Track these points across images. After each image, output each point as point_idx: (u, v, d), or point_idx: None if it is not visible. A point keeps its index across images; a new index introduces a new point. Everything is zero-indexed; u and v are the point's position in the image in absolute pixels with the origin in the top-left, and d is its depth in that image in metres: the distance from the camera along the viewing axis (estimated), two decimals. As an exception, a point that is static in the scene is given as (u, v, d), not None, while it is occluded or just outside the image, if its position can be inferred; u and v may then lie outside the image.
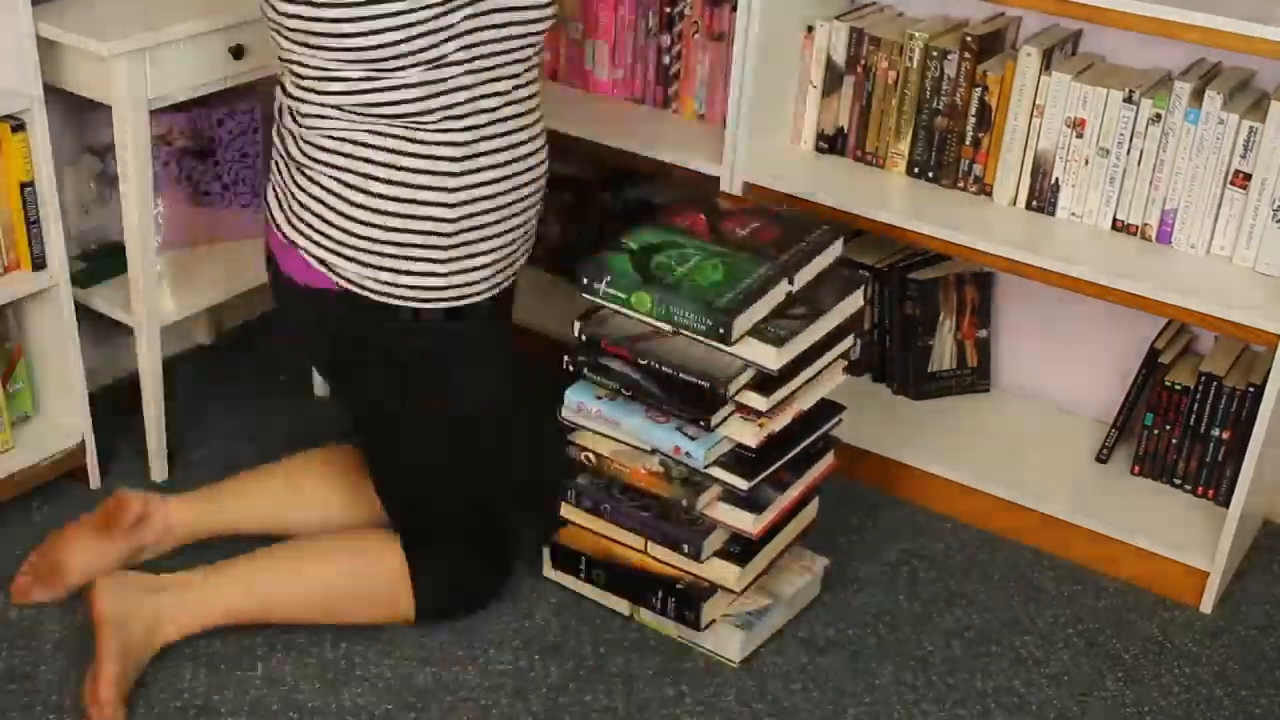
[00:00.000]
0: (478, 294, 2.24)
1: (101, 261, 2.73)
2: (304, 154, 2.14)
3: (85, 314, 2.63)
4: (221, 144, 2.81)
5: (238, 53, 2.53)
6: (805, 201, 2.66)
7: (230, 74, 2.55)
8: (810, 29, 2.76)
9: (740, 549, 2.34)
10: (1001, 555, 2.68)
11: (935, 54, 2.65)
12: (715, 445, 2.23)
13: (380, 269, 2.16)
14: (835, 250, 2.31)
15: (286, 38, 2.06)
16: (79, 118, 2.71)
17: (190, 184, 2.82)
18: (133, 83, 2.39)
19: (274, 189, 2.23)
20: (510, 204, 2.20)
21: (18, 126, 2.38)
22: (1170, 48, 2.54)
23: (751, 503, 2.28)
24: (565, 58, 3.07)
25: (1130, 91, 2.52)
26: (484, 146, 2.13)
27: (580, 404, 2.31)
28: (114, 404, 2.81)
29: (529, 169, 2.21)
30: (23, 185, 2.42)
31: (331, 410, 2.92)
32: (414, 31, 2.00)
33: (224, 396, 2.96)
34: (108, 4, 2.49)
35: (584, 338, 2.27)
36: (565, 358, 2.31)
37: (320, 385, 2.97)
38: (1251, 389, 2.60)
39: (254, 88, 2.75)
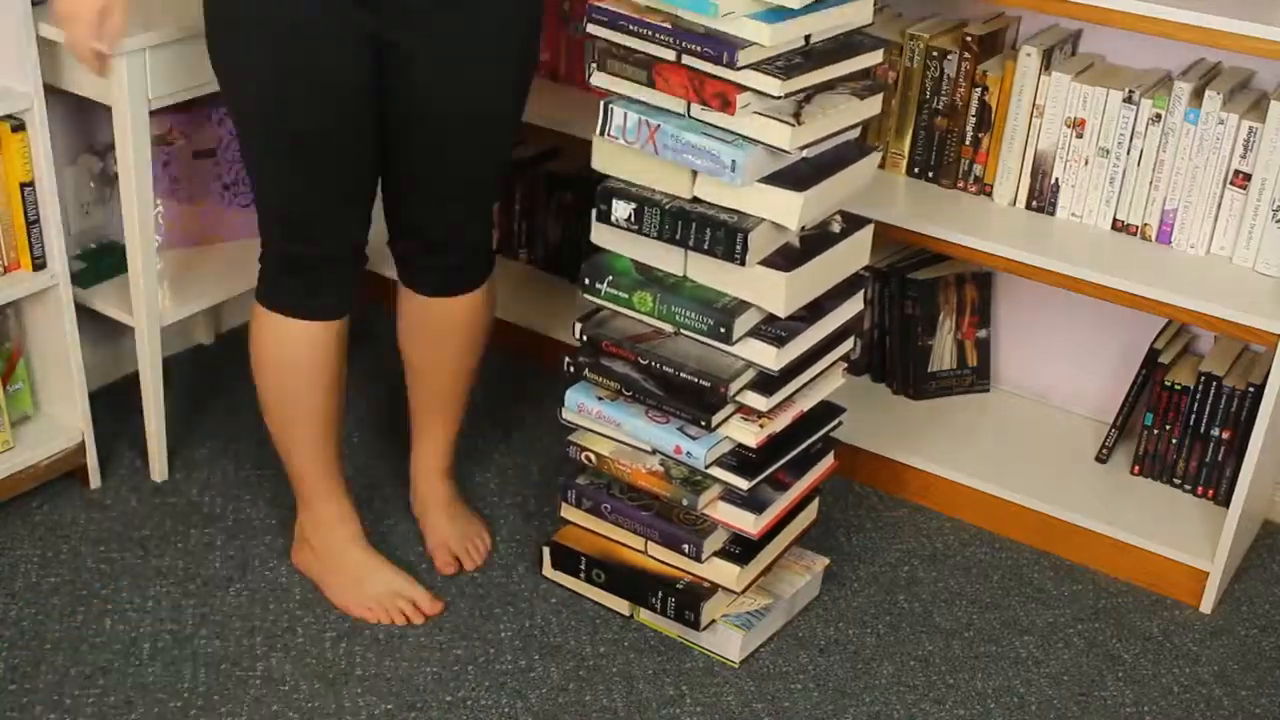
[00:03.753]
0: None
1: (101, 261, 2.73)
2: None
3: (85, 314, 2.63)
4: (222, 144, 2.81)
5: (238, 53, 2.53)
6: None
7: (230, 74, 2.55)
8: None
9: (740, 549, 2.34)
10: (1001, 555, 2.68)
11: (935, 54, 2.66)
12: (716, 445, 2.23)
13: None
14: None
15: None
16: (79, 117, 2.71)
17: (190, 184, 2.82)
18: (133, 83, 2.39)
19: None
20: None
21: (18, 126, 2.38)
22: (1170, 48, 2.54)
23: (752, 503, 2.28)
24: (566, 57, 3.07)
25: (1130, 91, 2.52)
26: None
27: (581, 404, 2.31)
28: (114, 404, 2.81)
29: None
30: (23, 185, 2.42)
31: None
32: None
33: (224, 396, 2.96)
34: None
35: (585, 338, 2.27)
36: (566, 358, 2.31)
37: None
38: (1251, 389, 2.60)
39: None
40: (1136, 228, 2.60)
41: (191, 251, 2.85)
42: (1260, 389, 2.46)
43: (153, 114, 2.47)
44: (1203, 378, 2.64)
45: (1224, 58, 2.58)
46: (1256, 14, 2.29)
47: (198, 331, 3.13)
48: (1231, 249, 2.53)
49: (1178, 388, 2.67)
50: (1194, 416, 2.67)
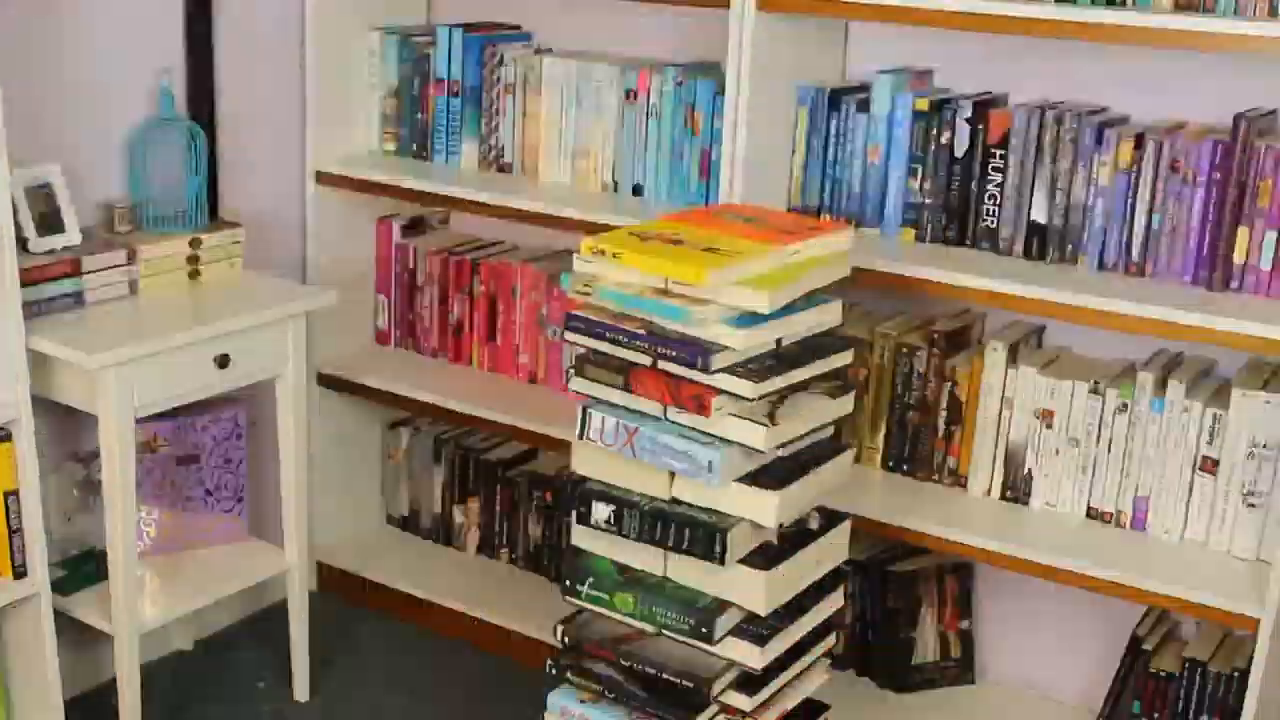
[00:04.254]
0: None
1: (82, 568, 2.72)
2: None
3: (63, 618, 2.60)
4: (205, 450, 2.84)
5: (223, 362, 2.58)
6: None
7: (215, 383, 2.60)
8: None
9: None
10: None
11: (905, 350, 2.72)
12: (700, 746, 2.20)
13: None
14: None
15: None
16: (62, 424, 2.74)
17: (174, 490, 2.83)
18: (119, 394, 2.43)
19: None
20: None
21: (4, 437, 2.41)
22: (1133, 339, 2.60)
23: (739, 805, 2.24)
24: (544, 360, 3.13)
25: (1096, 383, 2.58)
26: None
27: (564, 708, 2.28)
28: (90, 712, 2.76)
29: None
30: (6, 494, 2.43)
31: (315, 714, 2.88)
32: None
33: (203, 703, 2.91)
34: (98, 317, 2.55)
35: (566, 640, 2.26)
36: (548, 660, 2.29)
37: (302, 689, 2.94)
38: (1237, 674, 2.58)
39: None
40: (1111, 514, 2.63)
41: (173, 557, 2.85)
42: (1245, 673, 2.45)
43: (138, 421, 2.51)
44: (1187, 664, 2.62)
45: (1185, 348, 2.65)
46: (1205, 304, 2.36)
47: (177, 637, 3.10)
48: (1206, 534, 2.55)
49: (1163, 675, 2.65)
50: (1182, 704, 2.64)
